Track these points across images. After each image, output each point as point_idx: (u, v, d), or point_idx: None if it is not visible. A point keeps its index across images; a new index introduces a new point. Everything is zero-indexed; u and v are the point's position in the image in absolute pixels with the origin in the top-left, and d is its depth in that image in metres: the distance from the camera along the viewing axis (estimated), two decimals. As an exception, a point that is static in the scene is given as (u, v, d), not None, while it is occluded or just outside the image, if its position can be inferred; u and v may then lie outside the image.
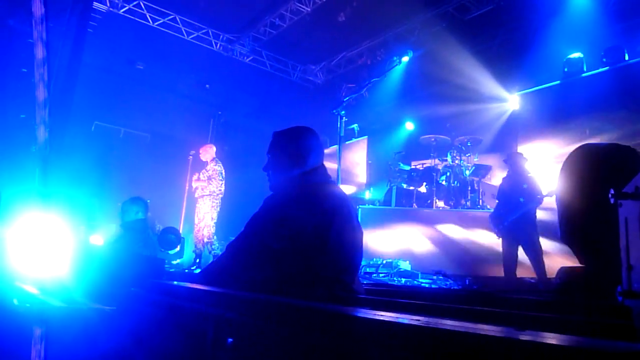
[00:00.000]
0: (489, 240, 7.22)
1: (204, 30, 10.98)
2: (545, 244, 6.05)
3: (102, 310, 1.70)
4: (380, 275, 6.80)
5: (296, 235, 1.97)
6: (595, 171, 1.29)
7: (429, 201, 8.88)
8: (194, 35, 10.91)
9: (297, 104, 12.20)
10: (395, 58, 6.44)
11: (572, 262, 1.47)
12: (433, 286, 6.20)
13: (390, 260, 7.26)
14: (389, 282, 6.20)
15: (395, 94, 10.87)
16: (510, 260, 6.23)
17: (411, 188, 9.22)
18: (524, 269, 6.37)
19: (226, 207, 8.27)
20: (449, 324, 0.68)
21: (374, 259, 7.40)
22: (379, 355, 0.72)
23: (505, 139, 9.51)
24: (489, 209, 8.17)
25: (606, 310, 0.94)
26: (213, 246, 7.83)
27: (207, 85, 11.97)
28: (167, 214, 9.93)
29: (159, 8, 10.22)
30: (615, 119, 7.17)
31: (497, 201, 6.63)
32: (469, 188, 8.71)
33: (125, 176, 9.57)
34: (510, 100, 9.63)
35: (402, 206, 8.85)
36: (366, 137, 11.50)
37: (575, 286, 1.26)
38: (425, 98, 10.57)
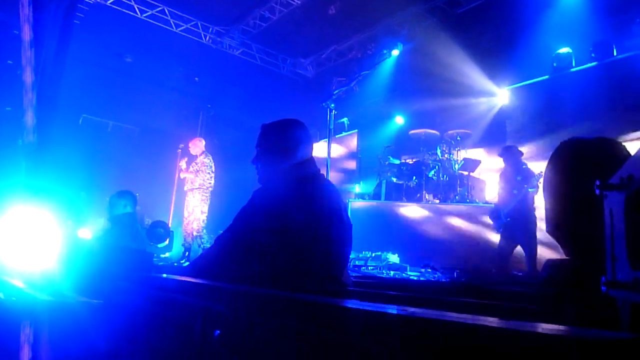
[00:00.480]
0: (478, 233, 7.28)
1: (192, 23, 10.89)
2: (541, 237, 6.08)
3: (90, 303, 1.69)
4: (369, 268, 6.83)
5: (285, 228, 1.97)
6: (581, 164, 1.31)
7: (418, 195, 8.93)
8: (183, 27, 10.82)
9: (287, 97, 12.16)
10: (385, 51, 6.45)
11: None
12: (421, 279, 6.24)
13: (379, 253, 7.29)
14: (378, 275, 6.22)
15: (385, 87, 10.89)
16: (502, 253, 6.28)
17: (401, 182, 9.26)
18: (514, 261, 6.43)
19: (215, 201, 8.25)
20: (435, 314, 0.68)
21: (363, 252, 7.43)
22: (367, 345, 0.72)
23: (494, 133, 9.57)
24: (477, 202, 8.23)
25: (591, 301, 0.95)
26: (202, 239, 7.81)
27: (196, 78, 11.89)
28: (156, 207, 9.89)
29: None
30: (603, 114, 7.24)
31: (497, 196, 6.68)
32: (458, 182, 8.76)
33: (114, 170, 9.50)
34: (499, 95, 9.69)
35: (392, 200, 8.88)
36: (356, 130, 11.51)
37: (561, 278, 1.28)
38: (415, 92, 10.60)
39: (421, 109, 10.54)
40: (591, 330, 0.55)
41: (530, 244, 6.00)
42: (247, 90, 12.16)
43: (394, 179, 9.40)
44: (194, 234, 7.83)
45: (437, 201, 8.73)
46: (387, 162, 9.81)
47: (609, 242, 0.73)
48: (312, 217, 2.01)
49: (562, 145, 1.41)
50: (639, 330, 0.68)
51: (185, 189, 8.14)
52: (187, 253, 7.83)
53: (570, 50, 8.12)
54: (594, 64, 7.71)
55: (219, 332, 1.01)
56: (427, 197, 8.91)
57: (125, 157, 10.28)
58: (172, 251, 8.71)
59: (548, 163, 1.43)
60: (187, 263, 6.96)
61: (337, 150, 11.33)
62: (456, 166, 9.12)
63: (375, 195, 9.41)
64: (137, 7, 10.11)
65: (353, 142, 11.57)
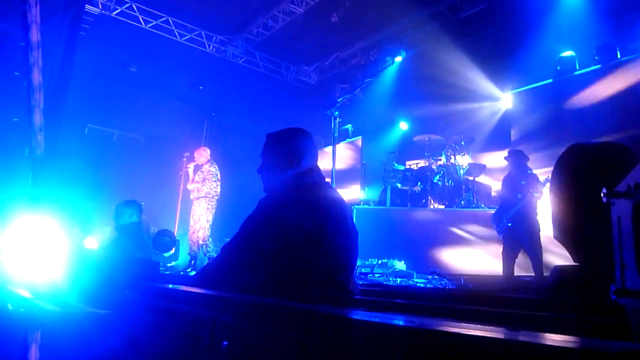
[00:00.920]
0: (484, 239, 7.25)
1: (196, 32, 10.96)
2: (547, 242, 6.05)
3: (96, 314, 1.69)
4: (376, 275, 6.80)
5: (291, 237, 1.97)
6: (587, 170, 1.30)
7: (423, 201, 8.90)
8: (187, 37, 10.89)
9: (291, 104, 12.19)
10: (388, 58, 6.47)
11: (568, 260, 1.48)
12: (428, 286, 6.21)
13: (385, 261, 7.27)
14: (385, 282, 6.20)
15: (388, 94, 10.90)
16: (508, 258, 6.24)
17: (406, 188, 9.23)
18: (522, 267, 6.39)
19: (221, 209, 8.25)
20: (443, 325, 0.68)
21: (369, 260, 7.41)
22: (375, 356, 0.72)
23: (498, 138, 9.55)
24: (483, 207, 8.19)
25: (600, 309, 0.94)
26: (208, 248, 7.80)
27: (201, 87, 11.94)
28: (162, 216, 9.91)
29: (152, 10, 10.19)
30: (608, 117, 7.21)
31: (501, 199, 6.66)
32: (464, 187, 8.73)
33: (119, 179, 9.53)
34: (503, 99, 9.67)
35: (397, 206, 8.86)
36: (360, 137, 11.51)
37: (569, 285, 1.27)
38: (418, 98, 10.60)
39: (425, 114, 10.53)
40: (600, 341, 0.55)
41: (535, 248, 5.96)
42: (251, 98, 12.20)
43: (399, 185, 9.38)
44: (200, 242, 7.82)
45: (443, 207, 8.70)
46: (391, 168, 9.80)
47: (617, 250, 0.73)
48: (317, 225, 2.01)
49: (569, 150, 1.41)
50: (649, 339, 0.67)
51: (192, 197, 8.14)
52: (193, 262, 7.82)
53: (574, 54, 8.10)
54: (597, 67, 7.68)
55: (226, 342, 1.01)
56: (432, 202, 8.88)
57: (131, 166, 10.32)
58: (178, 260, 8.71)
59: (554, 168, 1.42)
60: (193, 272, 6.96)
61: (342, 157, 11.32)
62: (461, 171, 9.10)
63: (381, 202, 9.39)
64: (142, 18, 10.18)
65: (357, 149, 11.57)
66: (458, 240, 7.69)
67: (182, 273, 7.17)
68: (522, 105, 9.02)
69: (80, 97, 7.87)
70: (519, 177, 6.28)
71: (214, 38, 11.24)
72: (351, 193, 10.83)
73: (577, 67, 8.03)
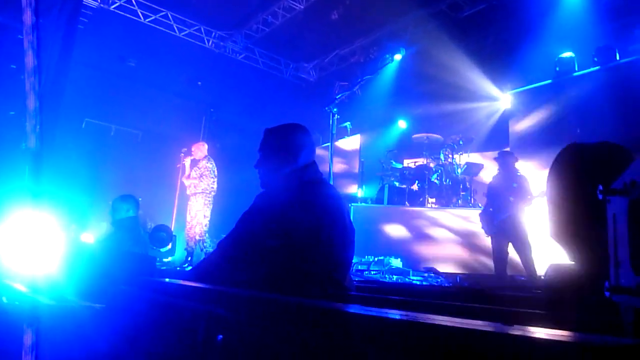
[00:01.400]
0: (480, 238, 7.26)
1: (196, 27, 10.93)
2: (536, 241, 6.09)
3: (92, 308, 1.69)
4: (372, 272, 6.81)
5: (287, 233, 1.97)
6: (584, 169, 1.30)
7: (421, 199, 8.91)
8: (186, 32, 10.86)
9: (290, 101, 12.18)
10: (387, 56, 6.46)
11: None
12: (424, 283, 6.22)
13: (381, 258, 7.28)
14: (381, 280, 6.21)
15: (387, 92, 10.89)
16: (500, 258, 6.27)
17: (403, 186, 9.24)
18: (515, 266, 6.41)
19: (218, 205, 8.25)
20: (438, 318, 0.68)
21: (366, 257, 7.42)
22: (370, 349, 0.72)
23: (497, 138, 9.55)
24: (480, 207, 8.20)
25: (594, 306, 0.95)
26: (205, 244, 7.80)
27: (199, 83, 11.91)
28: (159, 211, 9.89)
29: (151, 4, 10.15)
30: (606, 118, 7.22)
31: (486, 199, 6.66)
32: (461, 186, 8.75)
33: (116, 174, 9.50)
34: (502, 99, 9.68)
35: (394, 204, 8.86)
36: (359, 135, 11.50)
37: (564, 283, 1.27)
38: (417, 96, 10.60)
39: (424, 113, 10.53)
40: (594, 336, 0.55)
41: (524, 248, 5.99)
42: (250, 94, 12.18)
43: (397, 183, 9.39)
44: (197, 238, 7.82)
45: (440, 205, 8.72)
46: (389, 166, 9.80)
47: (612, 247, 0.73)
48: (314, 222, 2.01)
49: (566, 149, 1.41)
50: (642, 335, 0.68)
51: (188, 192, 8.14)
52: (189, 257, 7.82)
53: (573, 55, 8.11)
54: (596, 68, 7.69)
55: (221, 336, 1.01)
56: (429, 201, 8.89)
57: (128, 161, 10.29)
58: (174, 255, 8.71)
59: (551, 167, 1.43)
60: (189, 267, 6.96)
61: (340, 154, 11.33)
62: (459, 170, 9.11)
63: (378, 200, 9.39)
64: (141, 12, 10.15)
65: (356, 146, 11.56)
66: (454, 239, 7.71)
67: (178, 268, 7.18)
68: (521, 105, 9.02)
69: (78, 92, 7.85)
70: (510, 179, 6.29)
71: (214, 33, 11.21)
72: (349, 190, 10.83)
73: (577, 68, 8.04)
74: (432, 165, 9.30)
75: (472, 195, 8.64)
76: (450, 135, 9.50)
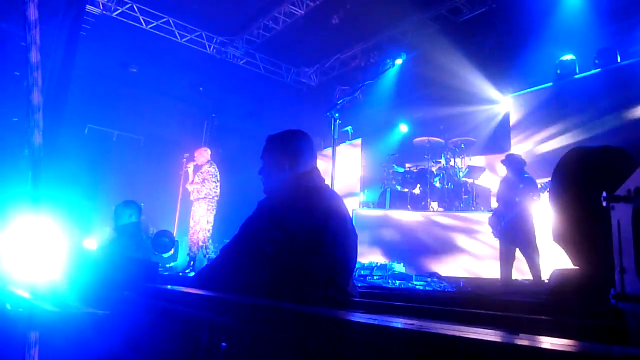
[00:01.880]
0: (484, 242, 7.25)
1: (197, 33, 10.97)
2: (542, 245, 6.06)
3: (95, 314, 1.69)
4: (375, 278, 6.80)
5: (291, 239, 1.97)
6: (587, 174, 1.30)
7: (423, 203, 8.90)
8: (188, 38, 10.89)
9: (291, 106, 12.20)
10: (388, 61, 6.46)
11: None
12: (427, 289, 6.20)
13: (384, 263, 7.26)
14: (384, 285, 6.19)
15: (389, 96, 10.90)
16: (506, 262, 6.24)
17: (405, 190, 9.24)
18: (520, 270, 6.39)
19: (221, 210, 8.25)
20: (442, 328, 0.68)
21: (369, 262, 7.40)
22: (373, 359, 0.72)
23: (498, 141, 9.55)
24: (482, 210, 8.19)
25: (599, 313, 0.94)
26: (208, 249, 7.80)
27: (201, 88, 11.94)
28: (161, 217, 9.90)
29: (153, 11, 10.19)
30: (607, 121, 7.21)
31: (497, 203, 6.65)
32: (463, 190, 8.74)
33: (119, 179, 9.53)
34: (503, 102, 9.67)
35: (397, 208, 8.85)
36: (360, 139, 11.51)
37: (568, 289, 1.27)
38: (418, 100, 10.60)
39: (425, 117, 10.53)
40: (600, 346, 0.55)
41: (532, 252, 5.96)
42: (252, 99, 12.21)
43: (399, 187, 9.38)
44: (200, 244, 7.82)
45: (442, 209, 8.70)
46: (391, 171, 9.80)
47: (617, 254, 0.73)
48: (317, 227, 2.01)
49: (569, 154, 1.41)
50: (649, 344, 0.67)
51: (192, 198, 8.14)
52: (192, 263, 7.81)
53: (574, 57, 8.11)
54: (597, 70, 7.69)
55: (225, 344, 1.01)
56: (432, 205, 8.88)
57: (131, 167, 10.32)
58: (177, 261, 8.70)
59: (554, 172, 1.42)
60: (192, 273, 6.96)
61: (342, 159, 11.31)
62: (461, 174, 9.10)
63: (380, 204, 9.39)
64: (143, 19, 10.19)
65: (357, 151, 11.57)
66: (457, 243, 7.69)
67: (181, 274, 7.17)
68: (523, 108, 9.03)
69: (81, 98, 7.88)
70: (517, 181, 6.28)
71: (215, 39, 11.25)
72: (351, 195, 10.83)
73: (578, 71, 8.04)
74: (434, 169, 9.29)
75: (475, 198, 8.62)
76: (452, 139, 9.50)
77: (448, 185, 8.93)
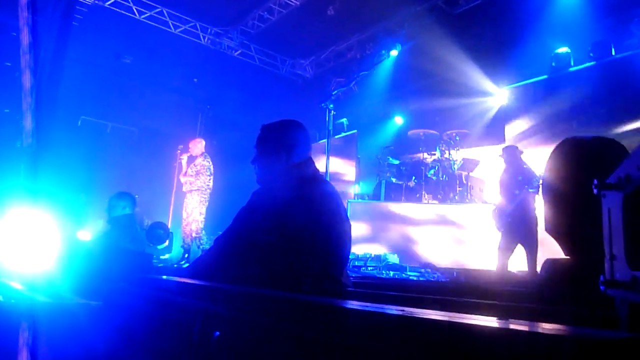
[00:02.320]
0: (477, 233, 7.28)
1: (191, 24, 10.89)
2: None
3: (89, 305, 1.69)
4: (369, 268, 6.83)
5: (284, 229, 1.97)
6: (580, 163, 1.31)
7: (417, 195, 8.93)
8: (182, 28, 10.82)
9: (286, 98, 12.16)
10: (384, 52, 6.45)
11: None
12: (421, 279, 6.24)
13: (378, 254, 7.30)
14: (378, 276, 6.23)
15: (384, 88, 10.89)
16: (504, 254, 6.25)
17: (400, 182, 9.26)
18: (515, 262, 6.42)
19: (214, 202, 8.24)
20: (434, 314, 0.68)
21: (363, 253, 7.43)
22: (366, 346, 0.72)
23: (493, 133, 9.57)
24: (476, 202, 8.23)
25: (590, 300, 0.95)
26: (201, 241, 7.81)
27: (195, 79, 11.88)
28: (156, 208, 9.88)
29: (146, 1, 10.11)
30: (601, 113, 7.24)
31: (499, 196, 6.65)
32: (457, 182, 8.76)
33: (113, 171, 9.49)
34: (498, 95, 9.69)
35: (391, 200, 8.88)
36: (355, 131, 11.50)
37: (560, 278, 1.28)
38: (414, 92, 10.60)
39: (420, 109, 10.54)
40: (590, 330, 0.55)
41: (532, 243, 5.98)
42: (246, 91, 12.15)
43: (394, 179, 9.40)
44: (194, 235, 7.83)
45: (437, 201, 8.73)
46: (386, 163, 9.81)
47: (607, 242, 0.73)
48: (311, 218, 2.01)
49: (561, 144, 1.42)
50: (637, 329, 0.68)
51: (185, 190, 8.14)
52: (186, 254, 7.83)
53: (569, 50, 8.12)
54: (592, 63, 7.71)
55: (218, 333, 1.01)
56: (426, 197, 8.91)
57: (124, 159, 10.28)
58: (171, 252, 8.71)
59: (547, 162, 1.43)
60: (186, 264, 6.96)
61: (336, 150, 11.31)
62: (455, 166, 9.12)
63: (375, 196, 9.41)
64: (136, 9, 10.10)
65: (352, 143, 11.56)
66: (451, 235, 7.72)
67: (175, 266, 7.17)
68: (517, 100, 9.04)
69: (73, 89, 7.80)
70: (515, 173, 6.29)
71: (209, 30, 11.18)
72: (346, 186, 10.84)
73: (572, 64, 8.05)
74: (428, 161, 9.31)
75: (469, 190, 8.65)
76: (447, 131, 9.52)
77: (442, 177, 8.95)
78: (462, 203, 8.33)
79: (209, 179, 8.02)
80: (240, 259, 2.01)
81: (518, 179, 6.19)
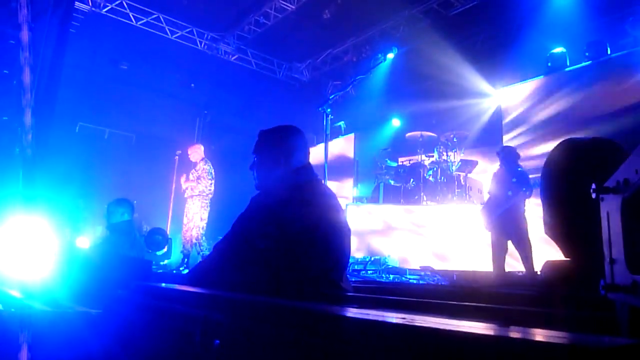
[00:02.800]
0: (477, 235, 7.28)
1: (188, 29, 10.90)
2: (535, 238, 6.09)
3: (88, 313, 1.68)
4: (369, 272, 6.82)
5: (283, 234, 1.96)
6: (578, 165, 1.31)
7: (416, 197, 8.92)
8: (178, 34, 10.82)
9: (283, 102, 12.16)
10: (380, 55, 6.47)
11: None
12: (421, 282, 6.24)
13: (378, 257, 7.29)
14: (377, 279, 6.22)
15: (381, 90, 10.91)
16: (498, 254, 6.26)
17: (398, 184, 9.25)
18: (513, 262, 6.43)
19: (214, 207, 8.23)
20: (434, 321, 0.68)
21: (363, 256, 7.42)
22: (367, 354, 0.72)
23: (490, 134, 9.59)
24: (475, 203, 8.23)
25: (590, 304, 0.95)
26: (201, 246, 7.79)
27: (192, 85, 11.88)
28: (154, 214, 9.86)
29: (142, 7, 10.11)
30: (598, 113, 7.26)
31: (488, 194, 6.66)
32: (456, 183, 8.76)
33: (111, 177, 9.48)
34: (495, 95, 9.70)
35: (390, 202, 8.87)
36: (353, 134, 11.51)
37: (559, 280, 1.28)
38: (411, 94, 10.62)
39: (417, 111, 10.55)
40: (590, 336, 0.55)
41: (524, 245, 5.99)
42: (244, 95, 12.16)
43: (392, 182, 9.40)
44: (194, 241, 7.81)
45: (435, 203, 8.73)
46: (384, 165, 9.81)
47: (607, 245, 0.73)
48: (310, 223, 2.01)
49: (559, 146, 1.42)
50: (638, 334, 0.68)
51: (186, 195, 8.12)
52: (186, 260, 7.80)
53: (565, 50, 8.15)
54: (588, 63, 7.74)
55: (218, 341, 1.00)
56: (425, 199, 8.90)
57: (123, 165, 10.27)
58: (170, 258, 8.69)
59: (545, 164, 1.43)
60: (186, 270, 6.95)
61: (334, 154, 11.31)
62: (453, 167, 9.12)
63: (373, 199, 9.40)
64: (132, 15, 10.11)
65: (350, 146, 11.56)
66: (450, 237, 7.72)
67: (174, 272, 7.16)
68: (514, 101, 9.06)
69: (71, 95, 7.81)
70: (509, 175, 6.29)
71: (206, 35, 11.18)
72: (344, 190, 10.84)
73: (568, 64, 8.08)
74: (426, 162, 9.31)
75: (467, 192, 8.65)
76: (444, 133, 9.52)
77: (441, 178, 8.95)
78: (461, 204, 8.33)
79: (211, 183, 8.01)
80: (240, 265, 2.01)
81: (512, 181, 6.20)
